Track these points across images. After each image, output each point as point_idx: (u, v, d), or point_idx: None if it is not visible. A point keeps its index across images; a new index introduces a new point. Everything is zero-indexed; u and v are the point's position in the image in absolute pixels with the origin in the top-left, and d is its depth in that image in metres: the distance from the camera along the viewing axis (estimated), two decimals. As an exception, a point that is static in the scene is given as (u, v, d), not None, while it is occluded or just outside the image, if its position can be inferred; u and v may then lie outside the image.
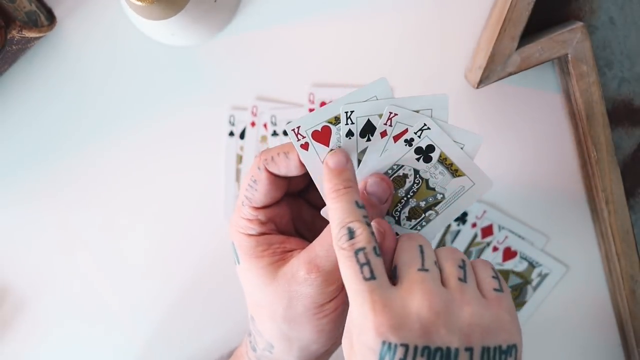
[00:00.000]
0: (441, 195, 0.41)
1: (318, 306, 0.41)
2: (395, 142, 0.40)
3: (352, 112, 0.40)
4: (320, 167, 0.41)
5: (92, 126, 0.56)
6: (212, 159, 0.56)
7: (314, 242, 0.41)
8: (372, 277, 0.35)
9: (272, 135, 0.56)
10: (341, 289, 0.41)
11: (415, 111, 0.40)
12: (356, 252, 0.36)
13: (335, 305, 0.41)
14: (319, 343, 0.42)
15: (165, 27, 0.49)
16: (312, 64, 0.55)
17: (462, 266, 0.37)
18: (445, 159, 0.41)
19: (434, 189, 0.41)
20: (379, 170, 0.41)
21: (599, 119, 0.50)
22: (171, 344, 0.59)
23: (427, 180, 0.41)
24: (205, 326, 0.59)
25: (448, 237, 0.57)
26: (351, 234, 0.36)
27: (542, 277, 0.57)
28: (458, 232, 0.56)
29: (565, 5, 0.53)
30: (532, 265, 0.57)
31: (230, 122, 0.56)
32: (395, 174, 0.41)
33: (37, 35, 0.50)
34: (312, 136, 0.40)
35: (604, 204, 0.52)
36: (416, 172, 0.41)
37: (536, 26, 0.52)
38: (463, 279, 0.37)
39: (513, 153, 0.56)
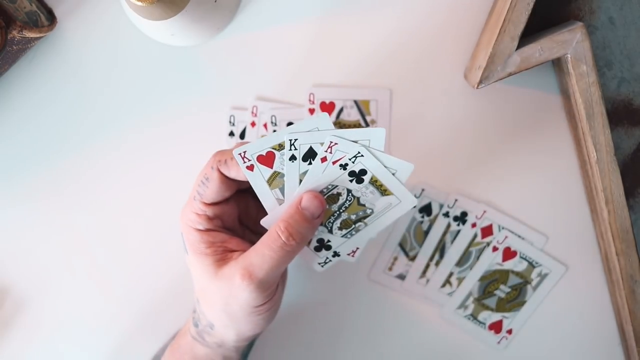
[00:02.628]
0: (370, 210, 0.46)
1: (252, 307, 0.44)
2: (333, 165, 0.44)
3: (295, 140, 0.44)
4: (264, 184, 0.44)
5: (92, 126, 0.56)
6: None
7: (250, 249, 0.43)
8: None
9: (272, 135, 0.56)
10: (274, 293, 0.45)
11: (354, 141, 0.44)
12: None
13: (268, 307, 0.45)
14: (255, 331, 0.47)
15: (165, 27, 0.49)
16: (311, 64, 0.55)
17: None
18: (376, 180, 0.44)
19: (364, 205, 0.46)
20: (315, 188, 0.44)
21: (598, 119, 0.50)
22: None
23: (358, 198, 0.45)
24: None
25: (448, 237, 0.57)
26: None
27: (542, 277, 0.57)
28: (458, 232, 0.56)
29: (565, 5, 0.53)
30: (531, 265, 0.57)
31: (230, 122, 0.56)
32: (330, 193, 0.45)
33: (38, 35, 0.50)
34: (257, 159, 0.44)
35: (603, 204, 0.52)
36: (349, 191, 0.45)
37: (536, 26, 0.52)
38: None
39: (512, 153, 0.56)
